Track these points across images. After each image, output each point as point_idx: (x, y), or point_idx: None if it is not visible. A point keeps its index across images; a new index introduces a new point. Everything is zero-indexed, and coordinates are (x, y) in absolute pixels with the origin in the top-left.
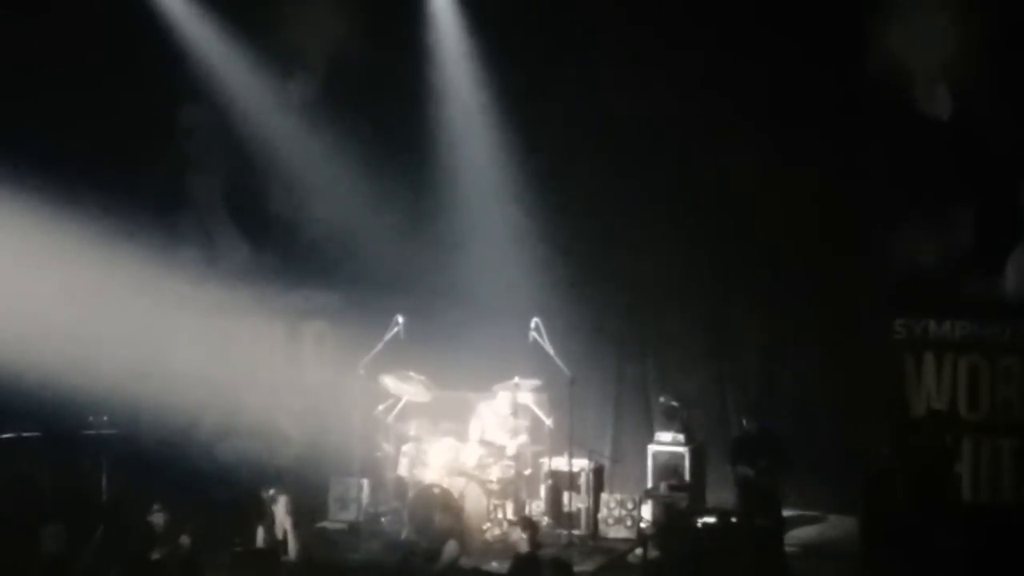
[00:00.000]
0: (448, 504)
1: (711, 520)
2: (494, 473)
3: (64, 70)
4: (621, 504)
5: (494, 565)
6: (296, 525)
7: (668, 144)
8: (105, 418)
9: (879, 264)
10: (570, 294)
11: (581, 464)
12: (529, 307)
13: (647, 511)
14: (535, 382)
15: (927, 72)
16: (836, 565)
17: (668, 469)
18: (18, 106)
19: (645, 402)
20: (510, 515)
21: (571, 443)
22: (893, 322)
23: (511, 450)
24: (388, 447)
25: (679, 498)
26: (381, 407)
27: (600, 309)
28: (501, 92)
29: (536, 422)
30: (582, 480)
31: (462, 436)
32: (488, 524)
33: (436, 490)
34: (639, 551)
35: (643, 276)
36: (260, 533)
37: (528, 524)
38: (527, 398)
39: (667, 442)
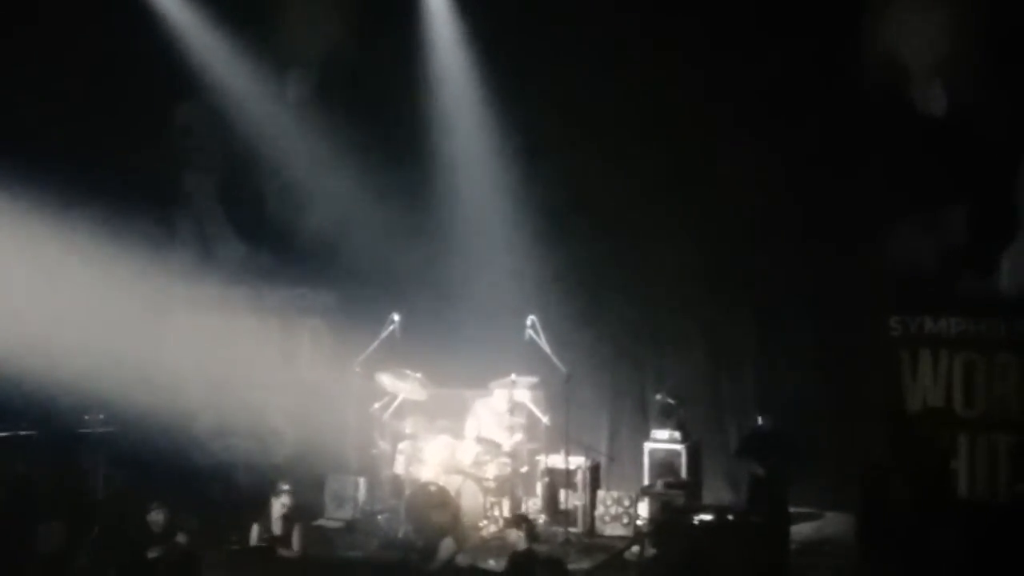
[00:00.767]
0: (444, 502)
1: (707, 517)
2: (490, 471)
3: (60, 67)
4: (618, 501)
5: (491, 563)
6: (293, 523)
7: (664, 143)
8: (101, 416)
9: (875, 261)
10: (566, 291)
11: (577, 461)
12: (525, 305)
13: (643, 508)
14: (531, 379)
15: (922, 70)
16: (834, 562)
17: (664, 466)
18: (13, 103)
19: (641, 399)
20: (506, 513)
21: (567, 440)
22: (889, 319)
23: (507, 448)
24: (384, 445)
25: (675, 495)
26: (377, 405)
27: (596, 307)
28: (497, 89)
29: (532, 419)
30: (579, 477)
31: (458, 434)
32: (484, 522)
33: (432, 488)
34: (635, 548)
35: (640, 274)
36: (256, 531)
37: (522, 521)
38: (523, 395)
39: (663, 439)
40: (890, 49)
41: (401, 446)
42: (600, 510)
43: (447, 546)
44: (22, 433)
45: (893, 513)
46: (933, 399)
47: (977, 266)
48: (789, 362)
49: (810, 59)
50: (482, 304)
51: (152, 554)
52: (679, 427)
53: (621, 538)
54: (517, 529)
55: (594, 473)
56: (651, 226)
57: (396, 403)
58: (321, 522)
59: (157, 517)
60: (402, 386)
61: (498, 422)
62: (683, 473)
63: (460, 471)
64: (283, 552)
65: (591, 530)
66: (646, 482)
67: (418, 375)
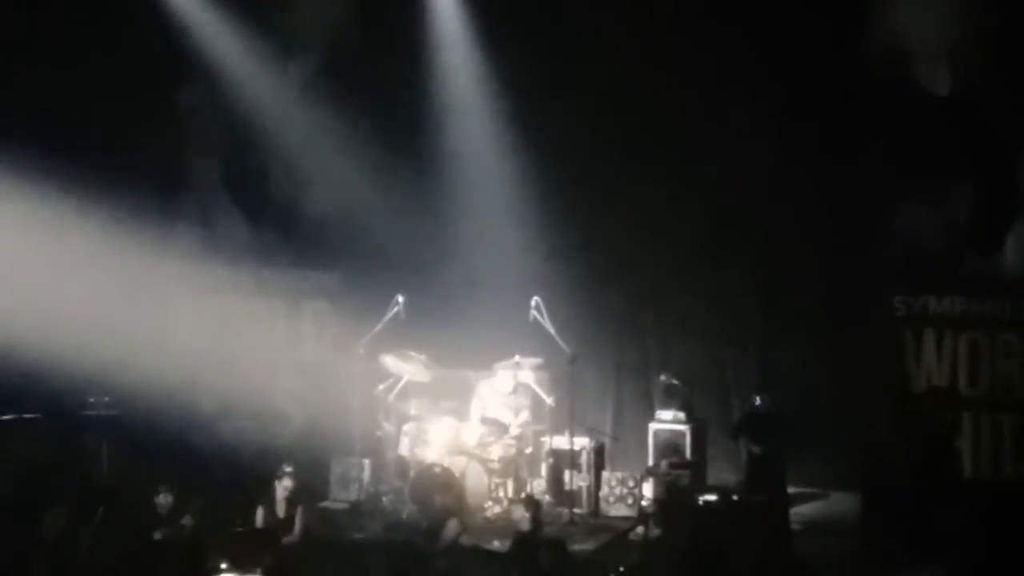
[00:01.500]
0: (449, 483)
1: (712, 498)
2: (495, 452)
3: (64, 51)
4: (622, 482)
5: (495, 543)
6: (297, 505)
7: (668, 122)
8: (106, 399)
9: (879, 241)
10: (571, 273)
11: (582, 442)
12: (530, 286)
13: (648, 489)
14: (536, 361)
15: (926, 49)
16: (838, 541)
17: (669, 447)
18: (18, 87)
19: (646, 380)
20: (511, 494)
21: (572, 421)
22: (893, 299)
23: (513, 429)
24: (389, 426)
25: (680, 476)
26: (382, 386)
27: (601, 288)
28: (500, 70)
29: (537, 401)
30: (583, 458)
31: (463, 415)
32: (489, 503)
33: (437, 469)
34: (640, 529)
35: (644, 255)
36: (261, 513)
37: (530, 503)
38: (528, 377)
39: (668, 420)
40: (895, 28)
41: (406, 427)
42: (605, 491)
43: (452, 527)
44: (26, 416)
45: (897, 493)
46: (937, 378)
47: (981, 245)
48: (793, 342)
49: (816, 38)
50: (486, 285)
51: (157, 536)
52: (683, 408)
53: (625, 519)
54: (524, 509)
55: (599, 454)
56: (655, 208)
57: (400, 385)
58: (326, 504)
59: (164, 500)
60: (406, 368)
61: (503, 403)
62: (687, 454)
63: (465, 452)
64: (284, 537)
65: (595, 511)
66: (650, 463)
67: (422, 356)
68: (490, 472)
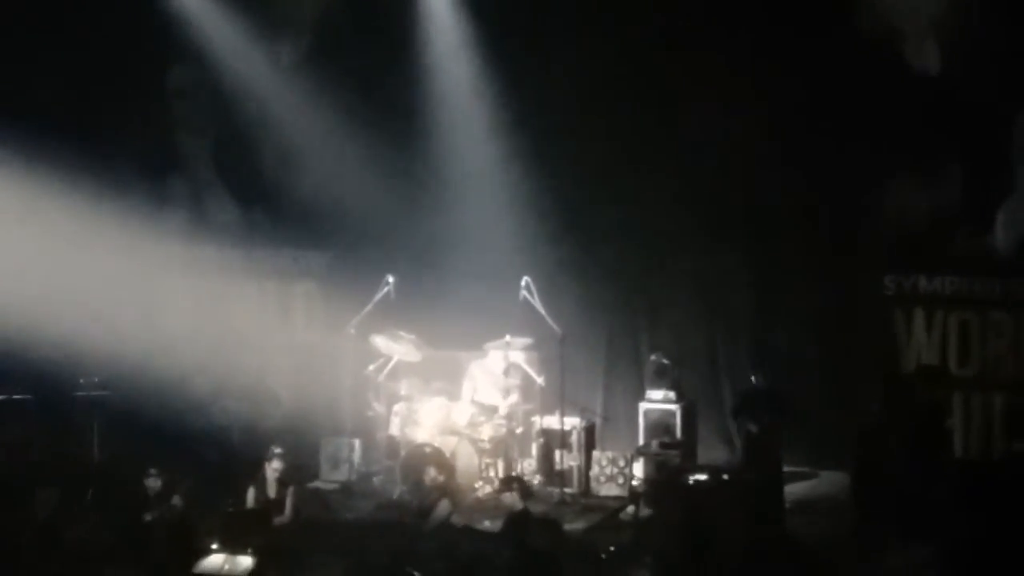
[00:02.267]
0: (440, 463)
1: (702, 477)
2: (485, 432)
3: (53, 31)
4: (613, 462)
5: (486, 523)
6: (288, 485)
7: (658, 103)
8: (96, 380)
9: (869, 220)
10: (561, 253)
11: (573, 422)
12: (520, 266)
13: (639, 469)
14: (526, 341)
15: (916, 28)
16: (829, 520)
17: (659, 427)
18: (4, 69)
19: (636, 360)
20: (501, 473)
21: (563, 401)
22: (883, 278)
23: (503, 409)
24: (379, 407)
25: (671, 455)
26: (372, 367)
27: (591, 268)
28: (491, 52)
29: (527, 381)
30: (574, 438)
31: (453, 395)
32: (480, 482)
33: (428, 449)
34: (631, 509)
35: (634, 234)
36: (252, 494)
37: (513, 481)
38: (518, 357)
39: (658, 400)
40: (884, 8)
41: (396, 408)
42: (595, 470)
43: (443, 507)
44: (16, 397)
45: (888, 472)
46: (928, 358)
47: (971, 225)
48: (784, 322)
49: (804, 17)
50: (476, 265)
51: (148, 517)
52: (674, 387)
53: (616, 498)
54: (510, 491)
55: (589, 434)
56: (646, 189)
57: (391, 365)
58: (317, 484)
59: (152, 483)
60: (397, 348)
61: (493, 383)
62: (678, 433)
63: (455, 432)
64: (276, 518)
65: (586, 491)
66: (641, 442)
67: (413, 337)
68: (481, 452)
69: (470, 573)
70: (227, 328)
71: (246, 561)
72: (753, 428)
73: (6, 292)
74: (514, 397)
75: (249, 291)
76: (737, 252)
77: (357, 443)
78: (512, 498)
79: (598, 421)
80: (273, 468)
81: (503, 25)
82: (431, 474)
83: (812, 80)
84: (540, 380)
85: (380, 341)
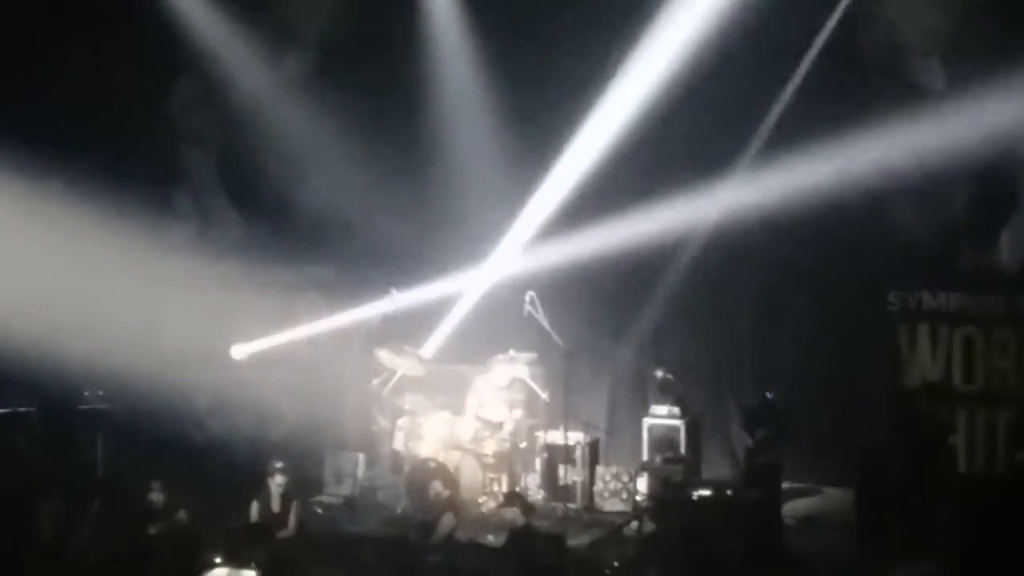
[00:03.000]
0: (444, 478)
1: (707, 493)
2: (489, 446)
3: (57, 44)
4: (617, 477)
5: (490, 538)
6: (292, 499)
7: (659, 121)
8: (100, 393)
9: (874, 236)
10: (565, 268)
11: (577, 437)
12: (525, 281)
13: (643, 484)
14: (530, 355)
15: (921, 43)
16: (832, 537)
17: (663, 442)
18: (9, 81)
19: (640, 375)
20: (505, 488)
21: (567, 416)
22: (888, 294)
23: (508, 425)
24: (383, 421)
25: (675, 471)
26: (376, 381)
27: (595, 283)
28: (499, 66)
29: (531, 395)
30: (578, 453)
31: (457, 410)
32: (484, 497)
33: (432, 464)
34: (635, 524)
35: (640, 250)
36: (256, 508)
37: (515, 498)
38: (522, 371)
39: (662, 415)
40: (889, 23)
41: (400, 422)
42: (599, 486)
43: (446, 522)
44: (20, 410)
45: (892, 489)
46: (932, 374)
47: (976, 241)
48: (788, 337)
49: (808, 29)
50: (481, 278)
51: (152, 531)
52: (678, 402)
53: (620, 514)
54: (512, 507)
55: (593, 449)
56: (648, 203)
57: (395, 379)
58: (320, 498)
59: (156, 498)
60: (401, 362)
61: (497, 398)
62: (682, 449)
63: (459, 447)
64: (279, 532)
65: (590, 506)
66: (645, 458)
67: (417, 351)
68: (484, 467)
69: None
70: (230, 341)
71: (250, 575)
72: (748, 443)
73: (9, 304)
74: (518, 412)
75: (253, 304)
76: (741, 267)
77: (361, 457)
78: (514, 514)
79: (602, 436)
80: (276, 483)
81: (510, 38)
82: (435, 489)
83: (816, 95)
84: (544, 395)
85: (384, 355)
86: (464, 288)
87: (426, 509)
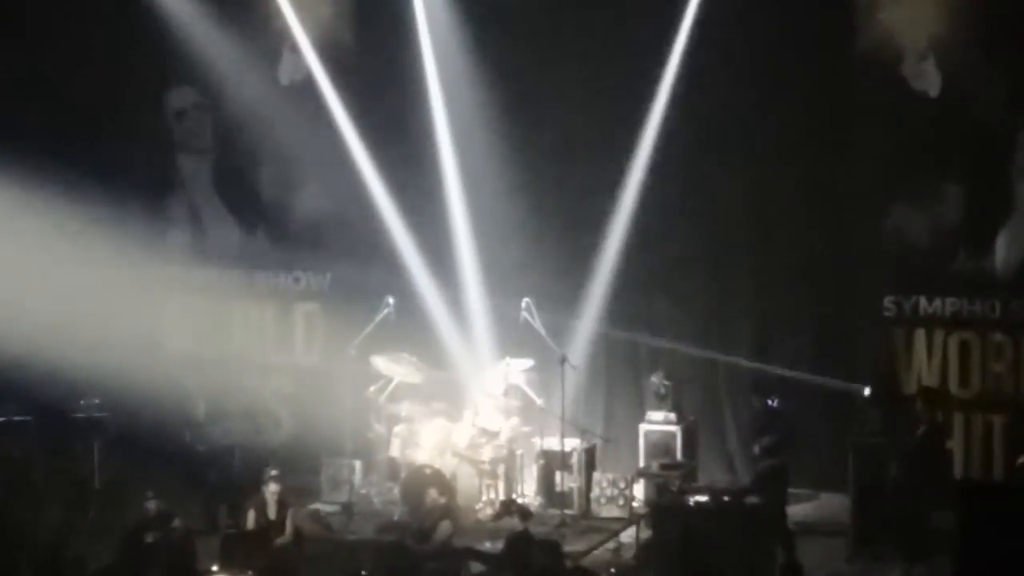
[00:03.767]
0: (440, 484)
1: (703, 499)
2: (486, 453)
3: (54, 53)
4: (613, 483)
5: (487, 545)
6: (288, 507)
7: (660, 124)
8: (97, 401)
9: (869, 241)
10: (561, 273)
11: (573, 444)
12: (520, 287)
13: (639, 490)
14: (526, 362)
15: (915, 49)
16: (829, 542)
17: (660, 448)
18: (6, 90)
19: (636, 381)
20: (502, 495)
21: (563, 423)
22: (883, 299)
23: (504, 432)
24: (380, 428)
25: (671, 477)
26: (372, 388)
27: (591, 289)
28: (495, 70)
29: (527, 402)
30: (574, 460)
31: (454, 417)
32: (480, 504)
33: (428, 471)
34: (631, 530)
35: (633, 255)
36: (252, 515)
37: (511, 506)
38: (518, 378)
39: (659, 421)
40: (884, 29)
41: (397, 429)
42: (596, 492)
43: (443, 528)
44: (17, 419)
45: (888, 494)
46: (928, 379)
47: (972, 246)
48: (784, 343)
49: (805, 36)
50: (477, 287)
51: (149, 539)
52: (674, 409)
53: (617, 520)
54: (509, 516)
55: (589, 455)
56: (643, 211)
57: (391, 386)
58: (317, 505)
59: (154, 505)
60: (397, 369)
61: (493, 405)
62: (678, 455)
63: (456, 454)
64: (275, 538)
65: (587, 512)
66: (641, 464)
67: (413, 358)
68: (481, 473)
69: None
70: (227, 349)
71: None
72: (753, 450)
73: (5, 313)
74: (514, 419)
75: (250, 312)
76: (737, 273)
77: (358, 464)
78: (511, 522)
79: (599, 442)
80: (271, 491)
81: (506, 42)
82: (432, 495)
83: (811, 100)
84: (540, 401)
85: (380, 362)
86: (462, 296)
87: (423, 516)
